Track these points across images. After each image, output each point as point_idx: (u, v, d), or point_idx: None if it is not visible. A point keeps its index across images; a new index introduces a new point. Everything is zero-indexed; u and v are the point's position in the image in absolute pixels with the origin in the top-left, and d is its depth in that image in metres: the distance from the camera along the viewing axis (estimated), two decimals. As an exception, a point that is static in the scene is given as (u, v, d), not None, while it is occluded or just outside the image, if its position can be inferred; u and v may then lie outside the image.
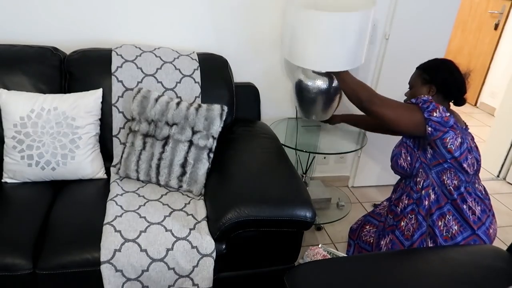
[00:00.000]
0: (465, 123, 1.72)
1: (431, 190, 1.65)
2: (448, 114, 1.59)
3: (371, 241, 1.89)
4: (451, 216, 1.62)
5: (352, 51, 1.85)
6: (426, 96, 1.62)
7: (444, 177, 1.63)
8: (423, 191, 1.67)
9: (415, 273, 1.27)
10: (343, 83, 1.82)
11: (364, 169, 2.74)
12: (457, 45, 4.71)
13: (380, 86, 2.47)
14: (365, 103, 1.67)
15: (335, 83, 2.06)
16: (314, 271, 1.28)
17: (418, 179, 1.69)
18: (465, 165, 1.61)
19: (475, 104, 4.54)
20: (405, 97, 1.79)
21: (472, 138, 1.70)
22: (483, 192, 1.70)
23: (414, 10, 2.29)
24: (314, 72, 2.05)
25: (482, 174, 3.10)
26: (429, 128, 1.57)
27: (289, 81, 2.38)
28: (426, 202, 1.65)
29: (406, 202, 1.72)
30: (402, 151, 1.74)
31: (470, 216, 1.61)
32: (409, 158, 1.71)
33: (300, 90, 2.09)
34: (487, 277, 1.26)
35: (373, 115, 1.67)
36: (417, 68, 1.76)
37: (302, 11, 1.80)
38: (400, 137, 1.81)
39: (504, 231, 2.49)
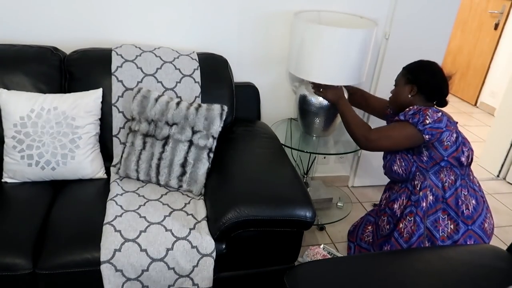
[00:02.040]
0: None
1: (428, 191, 1.66)
2: (440, 113, 1.62)
3: (371, 240, 1.89)
4: (446, 216, 1.64)
5: (355, 67, 1.93)
6: (413, 108, 1.67)
7: (442, 175, 1.65)
8: (421, 193, 1.68)
9: (415, 273, 1.27)
10: (342, 116, 1.90)
11: (364, 169, 2.74)
12: (457, 45, 4.71)
13: (380, 86, 2.47)
14: (361, 143, 1.77)
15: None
16: (314, 271, 1.28)
17: (415, 182, 1.70)
18: (463, 159, 1.63)
19: (475, 104, 4.53)
20: (390, 95, 1.85)
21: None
22: (477, 184, 1.72)
23: (414, 10, 2.29)
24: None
25: (482, 174, 3.12)
26: (427, 136, 1.61)
27: (290, 82, 2.37)
28: (424, 204, 1.66)
29: (404, 204, 1.72)
30: (397, 158, 1.75)
31: (465, 211, 1.63)
32: (403, 164, 1.73)
33: (303, 105, 2.13)
34: (487, 277, 1.26)
35: (373, 150, 1.77)
36: (403, 68, 1.81)
37: (308, 25, 1.86)
38: None
39: (504, 231, 2.49)
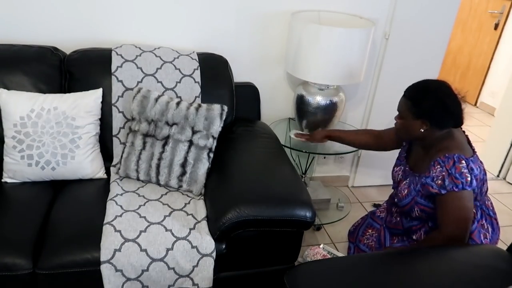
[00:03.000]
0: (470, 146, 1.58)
1: None
2: (463, 161, 1.44)
3: (373, 245, 1.87)
4: None
5: (352, 67, 1.93)
6: (437, 172, 1.46)
7: None
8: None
9: (415, 273, 1.27)
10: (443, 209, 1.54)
11: (364, 169, 2.74)
12: (457, 45, 4.71)
13: (380, 86, 2.47)
14: (449, 242, 1.48)
15: (334, 100, 2.12)
16: (314, 271, 1.28)
17: (431, 224, 1.61)
18: (483, 190, 1.55)
19: (475, 104, 4.53)
20: (395, 122, 1.61)
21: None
22: (491, 207, 1.65)
23: (414, 10, 2.29)
24: (320, 89, 2.12)
25: (482, 174, 3.11)
26: (475, 189, 1.48)
27: (289, 82, 2.37)
28: None
29: (423, 236, 1.63)
30: (415, 209, 1.60)
31: (483, 240, 1.56)
32: (423, 214, 1.60)
33: (300, 105, 2.13)
34: (487, 277, 1.26)
35: (464, 240, 1.49)
36: (404, 95, 1.55)
37: (305, 25, 1.86)
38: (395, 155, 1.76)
39: (504, 231, 2.48)
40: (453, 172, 1.43)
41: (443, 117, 1.48)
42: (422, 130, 1.51)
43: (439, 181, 1.46)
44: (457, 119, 1.49)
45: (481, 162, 1.54)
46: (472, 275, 1.26)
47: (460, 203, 1.45)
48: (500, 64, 4.24)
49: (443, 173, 1.45)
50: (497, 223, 1.65)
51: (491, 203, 1.68)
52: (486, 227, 1.59)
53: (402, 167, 1.71)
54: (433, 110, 1.47)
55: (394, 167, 1.78)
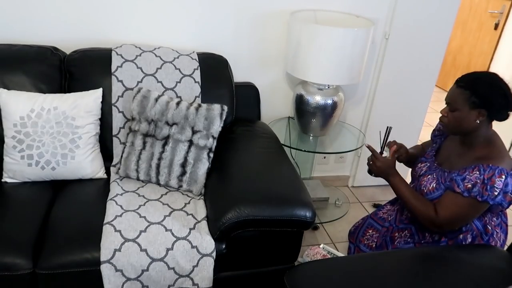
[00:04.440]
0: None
1: (469, 235, 1.56)
2: (503, 174, 1.41)
3: (373, 246, 1.86)
4: None
5: (351, 67, 1.93)
6: (473, 176, 1.44)
7: (486, 218, 1.54)
8: (460, 236, 1.56)
9: (415, 273, 1.27)
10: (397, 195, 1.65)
11: (364, 169, 2.73)
12: (457, 45, 4.71)
13: (380, 86, 2.47)
14: (429, 227, 1.54)
15: (334, 99, 2.12)
16: (314, 271, 1.28)
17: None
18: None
19: (475, 104, 4.53)
20: (443, 116, 1.56)
21: None
22: (506, 215, 1.63)
23: (414, 10, 2.29)
24: (319, 89, 2.12)
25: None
26: (501, 203, 1.45)
27: (288, 81, 2.38)
28: (462, 242, 1.57)
29: (437, 237, 1.61)
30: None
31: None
32: None
33: (300, 104, 2.14)
34: (487, 277, 1.26)
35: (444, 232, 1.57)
36: (459, 86, 1.49)
37: (304, 25, 1.86)
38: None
39: (504, 231, 2.48)
40: (487, 183, 1.41)
41: (502, 107, 1.46)
42: (478, 122, 1.47)
43: (469, 185, 1.44)
44: (510, 110, 1.47)
45: None
46: (472, 275, 1.26)
47: (471, 211, 1.46)
48: (500, 64, 4.24)
49: (478, 180, 1.42)
50: (507, 225, 1.63)
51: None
52: (498, 235, 1.57)
53: (428, 164, 1.68)
54: (492, 99, 1.44)
55: (417, 164, 1.74)
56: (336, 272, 1.27)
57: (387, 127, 1.75)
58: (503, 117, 1.49)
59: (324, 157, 2.66)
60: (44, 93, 1.73)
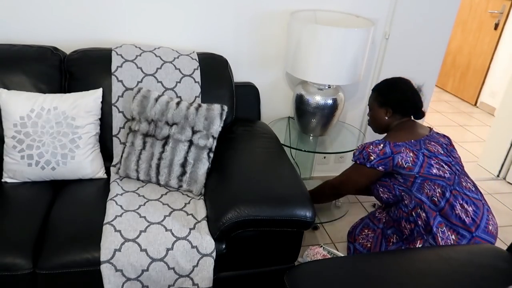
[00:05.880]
0: (429, 128, 1.80)
1: (419, 209, 1.64)
2: (381, 145, 1.65)
3: (369, 245, 1.87)
4: (444, 228, 1.60)
5: (351, 67, 1.93)
6: (358, 147, 1.73)
7: (426, 190, 1.62)
8: (413, 213, 1.66)
9: (415, 273, 1.27)
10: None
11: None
12: (457, 45, 4.71)
13: (380, 86, 2.47)
14: (334, 193, 1.91)
15: (334, 99, 2.13)
16: (314, 271, 1.28)
17: (405, 202, 1.69)
18: (433, 172, 1.60)
19: (475, 104, 4.53)
20: (368, 119, 1.91)
21: (438, 142, 1.69)
22: (473, 189, 1.67)
23: (414, 10, 2.29)
24: (319, 89, 2.13)
25: (482, 174, 3.12)
26: (380, 168, 1.65)
27: (288, 81, 2.38)
28: (420, 222, 1.64)
29: (408, 226, 1.70)
30: (377, 185, 1.77)
31: (465, 219, 1.58)
32: (386, 190, 1.73)
33: (300, 104, 2.13)
34: (487, 277, 1.26)
35: (347, 193, 1.90)
36: (372, 90, 1.86)
37: (304, 25, 1.86)
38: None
39: (504, 231, 2.49)
40: (363, 150, 1.70)
41: (403, 103, 1.76)
42: (387, 118, 1.79)
43: (355, 151, 1.76)
44: (417, 106, 1.77)
45: (438, 142, 1.71)
46: (472, 275, 1.26)
47: (355, 173, 1.76)
48: (500, 64, 4.24)
49: (358, 149, 1.73)
50: (483, 203, 1.65)
51: (473, 185, 1.69)
52: (464, 207, 1.60)
53: None
54: (393, 96, 1.77)
55: None
56: (336, 272, 1.27)
57: None
58: (409, 112, 1.78)
59: (324, 157, 2.66)
60: (44, 93, 1.73)
